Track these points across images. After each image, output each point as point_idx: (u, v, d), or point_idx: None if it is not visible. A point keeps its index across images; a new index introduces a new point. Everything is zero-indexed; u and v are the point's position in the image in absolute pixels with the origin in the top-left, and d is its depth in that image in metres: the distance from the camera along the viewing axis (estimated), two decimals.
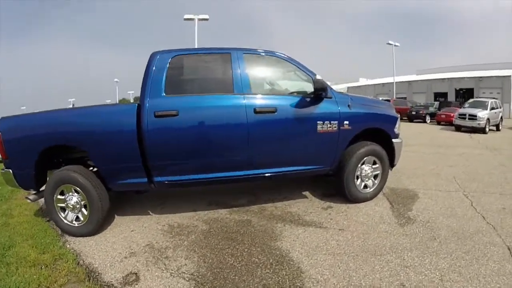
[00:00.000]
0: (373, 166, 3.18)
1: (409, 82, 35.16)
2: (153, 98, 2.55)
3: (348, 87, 45.63)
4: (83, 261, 2.26)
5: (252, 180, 3.09)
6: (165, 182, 2.66)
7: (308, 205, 3.22)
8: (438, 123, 16.12)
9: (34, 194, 2.64)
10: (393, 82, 28.95)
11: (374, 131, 3.22)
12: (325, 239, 2.49)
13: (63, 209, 2.53)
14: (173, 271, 2.10)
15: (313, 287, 1.90)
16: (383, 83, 37.17)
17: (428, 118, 18.03)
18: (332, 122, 2.88)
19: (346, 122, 2.93)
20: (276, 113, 2.73)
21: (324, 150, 2.98)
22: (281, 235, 2.57)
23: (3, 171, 2.62)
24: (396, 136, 3.37)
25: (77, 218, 2.56)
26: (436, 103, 21.72)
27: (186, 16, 17.09)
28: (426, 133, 11.53)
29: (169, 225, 2.79)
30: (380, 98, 18.95)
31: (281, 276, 2.01)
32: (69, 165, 2.68)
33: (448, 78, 31.85)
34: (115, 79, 44.25)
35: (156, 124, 2.50)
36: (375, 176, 3.24)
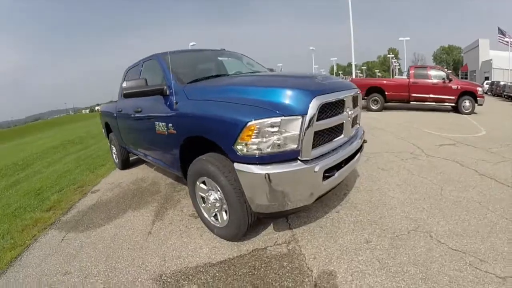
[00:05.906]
0: (219, 194, 2.20)
1: None
2: (119, 100, 4.32)
3: None
4: (103, 179, 4.63)
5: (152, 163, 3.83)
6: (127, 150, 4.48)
7: None
8: None
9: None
10: None
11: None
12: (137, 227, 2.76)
13: (112, 153, 5.10)
14: (111, 191, 3.95)
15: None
16: None
17: None
18: (161, 123, 2.68)
19: (170, 124, 2.53)
20: (140, 112, 3.20)
21: (165, 152, 2.89)
22: (154, 200, 3.48)
23: (103, 129, 5.52)
24: (245, 159, 1.84)
25: (116, 159, 5.04)
26: None
27: None
28: None
29: (152, 181, 4.49)
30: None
31: (113, 213, 3.26)
32: None
33: None
34: (311, 47, 51.62)
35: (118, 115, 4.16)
36: (227, 211, 2.17)
